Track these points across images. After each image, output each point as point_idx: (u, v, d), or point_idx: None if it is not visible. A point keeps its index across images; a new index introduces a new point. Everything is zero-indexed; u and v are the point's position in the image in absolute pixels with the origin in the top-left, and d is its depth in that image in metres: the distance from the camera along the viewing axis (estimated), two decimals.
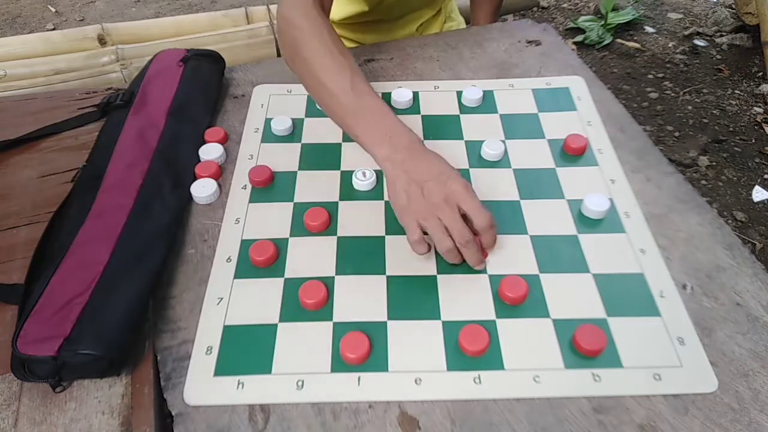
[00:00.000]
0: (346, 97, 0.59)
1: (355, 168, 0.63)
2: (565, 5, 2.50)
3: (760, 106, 1.88)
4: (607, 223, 0.58)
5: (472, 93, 0.73)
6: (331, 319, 0.51)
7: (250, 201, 0.62)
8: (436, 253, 0.54)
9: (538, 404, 0.45)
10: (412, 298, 0.52)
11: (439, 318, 0.51)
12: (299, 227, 0.58)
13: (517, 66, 0.80)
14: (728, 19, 2.22)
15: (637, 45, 2.20)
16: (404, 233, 0.54)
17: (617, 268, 0.54)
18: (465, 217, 0.53)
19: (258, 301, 0.52)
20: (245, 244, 0.57)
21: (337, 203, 0.61)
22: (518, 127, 0.70)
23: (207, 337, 0.50)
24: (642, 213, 0.59)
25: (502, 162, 0.65)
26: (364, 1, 0.86)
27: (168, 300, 0.53)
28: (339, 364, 0.48)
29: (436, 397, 0.46)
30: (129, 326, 0.48)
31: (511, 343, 0.49)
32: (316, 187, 0.63)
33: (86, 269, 0.50)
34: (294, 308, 0.52)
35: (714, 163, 1.70)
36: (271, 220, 0.59)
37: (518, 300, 0.51)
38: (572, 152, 0.66)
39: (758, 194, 1.59)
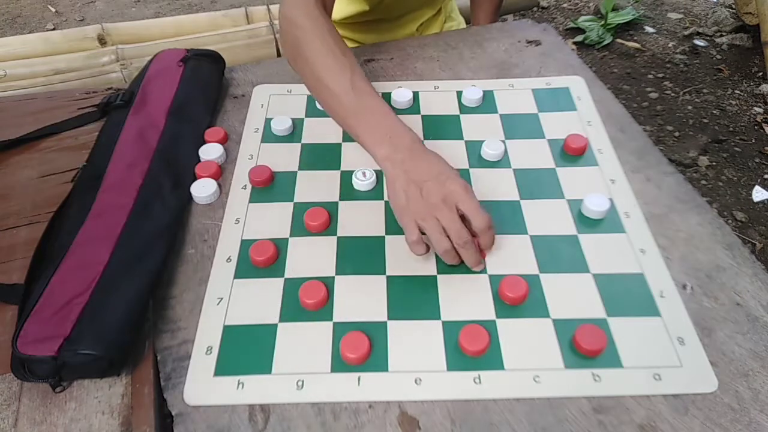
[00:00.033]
0: (347, 96, 0.59)
1: (355, 168, 0.63)
2: (565, 5, 2.50)
3: (760, 106, 1.88)
4: (607, 223, 0.58)
5: (472, 93, 0.73)
6: (331, 319, 0.51)
7: (250, 201, 0.62)
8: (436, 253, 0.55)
9: (538, 404, 0.45)
10: (412, 298, 0.52)
11: (439, 318, 0.51)
12: (299, 227, 0.58)
13: (517, 66, 0.80)
14: (728, 19, 2.22)
15: (637, 45, 2.20)
16: (404, 233, 0.54)
17: (617, 268, 0.54)
18: (464, 218, 0.53)
19: (258, 301, 0.52)
20: (245, 244, 0.57)
21: (337, 203, 0.61)
22: (518, 127, 0.70)
23: (207, 337, 0.50)
24: (642, 213, 0.59)
25: (502, 162, 0.65)
26: (364, 0, 0.86)
27: (168, 300, 0.53)
28: (339, 364, 0.48)
29: (436, 397, 0.46)
30: (129, 326, 0.48)
31: (511, 343, 0.49)
32: (316, 187, 0.63)
33: (86, 269, 0.50)
34: (294, 308, 0.52)
35: (714, 163, 1.70)
36: (271, 220, 0.59)
37: (518, 300, 0.51)
38: (572, 152, 0.66)
39: (758, 194, 1.59)
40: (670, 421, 0.44)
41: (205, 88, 0.74)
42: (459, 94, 0.74)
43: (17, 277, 0.54)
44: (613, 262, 0.55)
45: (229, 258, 0.56)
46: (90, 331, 0.46)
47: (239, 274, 0.55)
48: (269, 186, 0.63)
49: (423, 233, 0.53)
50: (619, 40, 2.22)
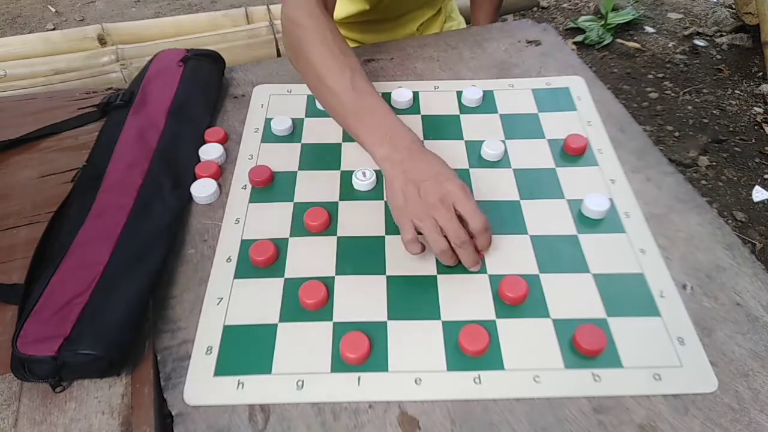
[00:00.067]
0: (347, 96, 0.59)
1: (355, 168, 0.63)
2: (565, 5, 2.50)
3: (760, 106, 1.88)
4: (607, 223, 0.58)
5: (472, 93, 0.73)
6: (331, 319, 0.51)
7: (250, 201, 0.62)
8: None
9: (538, 404, 0.45)
10: (412, 298, 0.52)
11: (439, 318, 0.51)
12: (299, 227, 0.58)
13: (517, 66, 0.80)
14: (728, 19, 2.22)
15: (637, 45, 2.20)
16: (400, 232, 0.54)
17: (617, 268, 0.54)
18: (461, 219, 0.52)
19: (258, 301, 0.52)
20: (245, 244, 0.57)
21: (337, 203, 0.61)
22: (518, 127, 0.70)
23: (207, 337, 0.50)
24: (642, 213, 0.59)
25: (502, 162, 0.65)
26: None
27: (168, 300, 0.53)
28: (339, 364, 0.48)
29: (436, 397, 0.46)
30: (129, 326, 0.48)
31: (511, 343, 0.49)
32: (316, 187, 0.63)
33: (86, 269, 0.50)
34: (294, 308, 0.52)
35: (714, 163, 1.70)
36: (271, 220, 0.59)
37: (518, 300, 0.51)
38: (572, 152, 0.66)
39: (758, 194, 1.59)
40: (670, 421, 0.44)
41: (205, 88, 0.74)
42: (459, 94, 0.74)
43: (17, 277, 0.54)
44: (613, 262, 0.55)
45: (229, 258, 0.56)
46: (90, 331, 0.46)
47: (239, 274, 0.55)
48: (269, 186, 0.63)
49: (420, 234, 0.53)
50: (619, 40, 2.22)
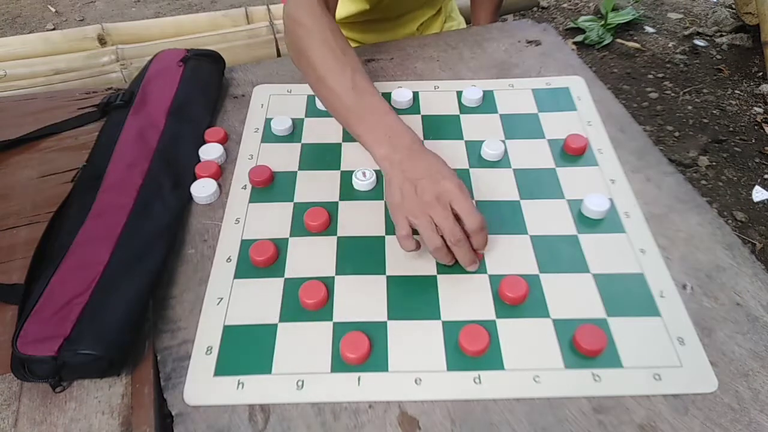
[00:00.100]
0: (348, 96, 0.59)
1: (355, 168, 0.63)
2: (565, 5, 2.50)
3: (760, 106, 1.88)
4: (607, 223, 0.58)
5: (472, 93, 0.73)
6: (331, 319, 0.51)
7: (250, 201, 0.62)
8: None
9: (538, 404, 0.45)
10: (412, 298, 0.52)
11: (439, 318, 0.51)
12: (299, 227, 0.58)
13: (517, 66, 0.80)
14: (728, 19, 2.22)
15: (637, 45, 2.20)
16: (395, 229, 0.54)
17: (617, 268, 0.54)
18: (458, 218, 0.52)
19: (258, 301, 0.52)
20: (245, 244, 0.57)
21: (337, 203, 0.61)
22: (518, 127, 0.70)
23: (207, 337, 0.50)
24: (642, 213, 0.59)
25: (502, 162, 0.65)
26: None
27: (168, 300, 0.53)
28: (339, 364, 0.48)
29: (436, 397, 0.46)
30: (129, 326, 0.48)
31: (511, 343, 0.49)
32: (316, 187, 0.63)
33: (86, 269, 0.50)
34: (294, 308, 0.52)
35: (714, 163, 1.70)
36: (271, 220, 0.59)
37: (518, 300, 0.51)
38: (572, 152, 0.66)
39: (758, 194, 1.59)
40: (670, 421, 0.44)
41: (205, 88, 0.74)
42: (459, 94, 0.74)
43: (17, 277, 0.54)
44: (613, 262, 0.55)
45: (229, 258, 0.56)
46: (90, 331, 0.46)
47: (239, 274, 0.55)
48: (269, 186, 0.63)
49: (416, 232, 0.53)
50: (619, 40, 2.22)
